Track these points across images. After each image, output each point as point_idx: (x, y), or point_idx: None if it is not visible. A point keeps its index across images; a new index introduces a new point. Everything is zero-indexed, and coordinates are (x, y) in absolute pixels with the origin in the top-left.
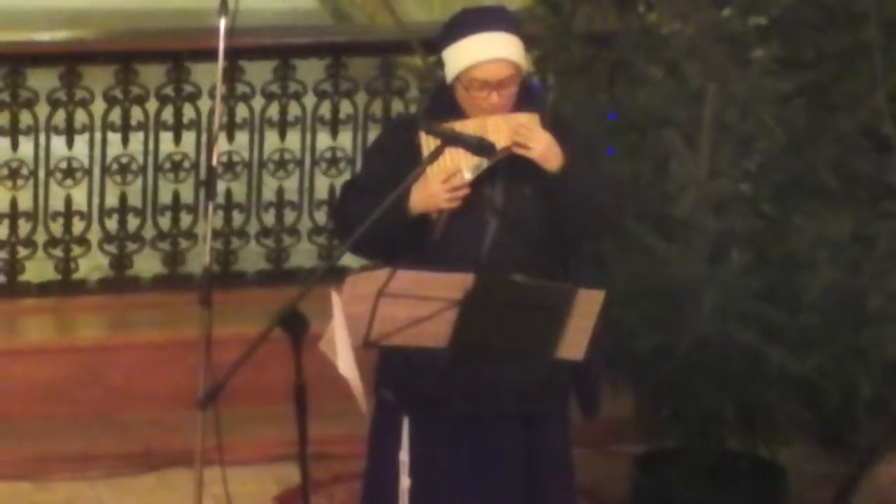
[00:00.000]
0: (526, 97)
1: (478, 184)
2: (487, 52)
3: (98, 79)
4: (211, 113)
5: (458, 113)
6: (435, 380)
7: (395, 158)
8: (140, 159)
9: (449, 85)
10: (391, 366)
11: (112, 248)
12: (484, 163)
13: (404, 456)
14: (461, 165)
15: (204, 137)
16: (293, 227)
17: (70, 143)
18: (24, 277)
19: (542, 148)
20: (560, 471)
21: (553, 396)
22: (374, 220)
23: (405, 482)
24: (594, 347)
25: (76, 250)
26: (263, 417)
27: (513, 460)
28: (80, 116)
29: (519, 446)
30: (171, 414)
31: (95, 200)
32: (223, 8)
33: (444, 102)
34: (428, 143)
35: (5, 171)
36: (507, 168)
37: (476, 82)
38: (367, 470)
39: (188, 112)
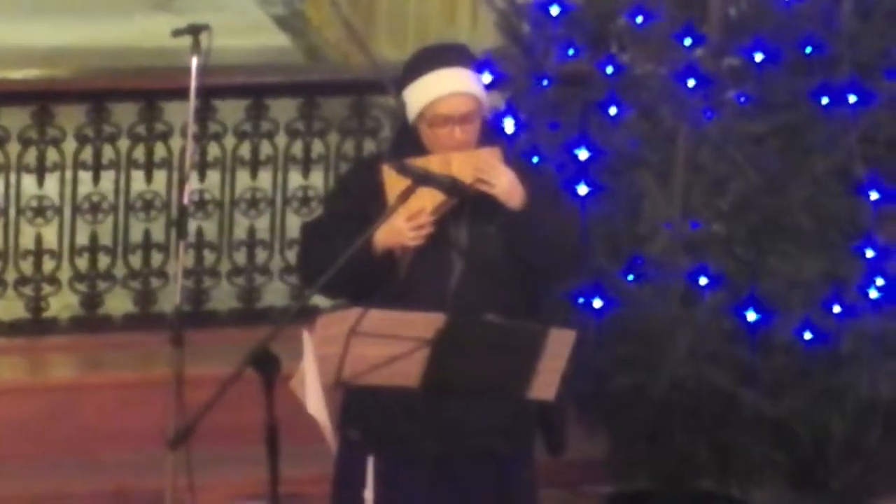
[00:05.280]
0: (487, 134)
1: (442, 223)
2: (449, 86)
3: (70, 117)
4: (182, 152)
5: (422, 152)
6: (401, 419)
7: (358, 198)
8: (111, 198)
9: (412, 124)
10: (357, 405)
11: (83, 287)
12: (447, 201)
13: (369, 494)
14: (425, 203)
15: (175, 176)
16: (265, 265)
17: (41, 182)
18: None
19: (505, 185)
20: None
21: (518, 436)
22: (346, 257)
23: None
24: (561, 386)
25: (47, 289)
26: (235, 458)
27: (478, 500)
28: (52, 155)
29: (484, 486)
30: (143, 453)
31: (66, 239)
32: (196, 47)
33: (407, 142)
34: (391, 180)
35: None
36: (471, 207)
37: (439, 118)
38: None
39: (160, 151)
